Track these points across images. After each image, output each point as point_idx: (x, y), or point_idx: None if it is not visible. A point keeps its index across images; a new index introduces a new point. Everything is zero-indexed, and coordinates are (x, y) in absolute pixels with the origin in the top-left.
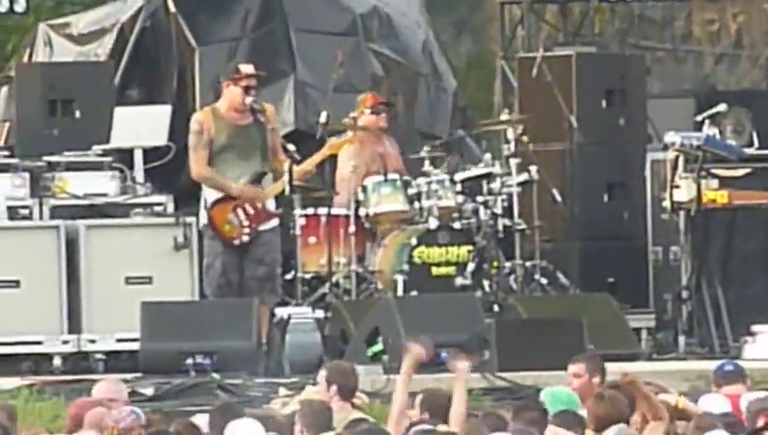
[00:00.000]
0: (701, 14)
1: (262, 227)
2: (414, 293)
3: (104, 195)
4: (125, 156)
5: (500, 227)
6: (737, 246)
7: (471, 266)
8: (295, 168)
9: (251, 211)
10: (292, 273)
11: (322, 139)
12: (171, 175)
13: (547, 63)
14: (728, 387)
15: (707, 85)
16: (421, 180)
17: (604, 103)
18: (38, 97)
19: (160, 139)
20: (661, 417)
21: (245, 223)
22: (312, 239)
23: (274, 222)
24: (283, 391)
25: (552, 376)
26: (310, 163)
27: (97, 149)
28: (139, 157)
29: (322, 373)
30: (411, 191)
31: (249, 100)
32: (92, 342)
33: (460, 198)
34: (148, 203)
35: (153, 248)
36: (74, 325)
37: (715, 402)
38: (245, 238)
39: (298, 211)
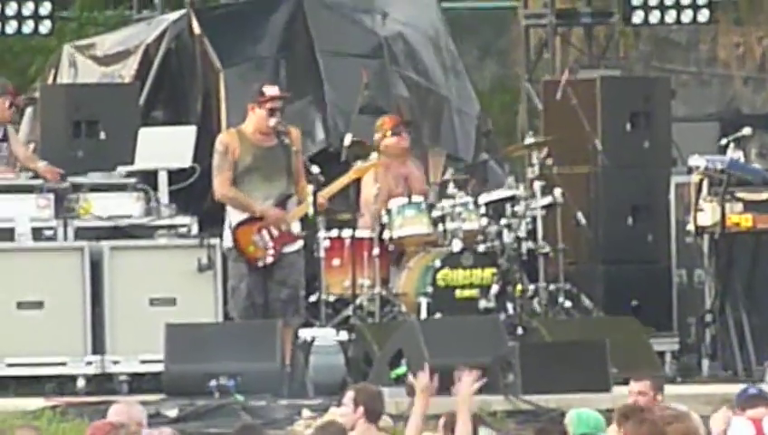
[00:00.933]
0: (726, 38)
1: (286, 249)
2: (438, 315)
3: (128, 216)
4: (149, 177)
5: (524, 250)
6: (762, 269)
7: (495, 289)
8: (320, 191)
9: (275, 233)
10: (317, 295)
11: (347, 161)
12: (196, 197)
13: (572, 87)
14: (752, 411)
15: (732, 109)
16: (445, 203)
17: (629, 126)
18: (63, 118)
19: (185, 160)
20: None
21: (270, 244)
22: (337, 261)
23: (299, 244)
24: (306, 412)
25: (576, 399)
26: (335, 187)
27: (121, 170)
28: (163, 178)
29: (350, 394)
30: (435, 214)
31: (274, 121)
32: (116, 363)
33: (484, 221)
34: (173, 225)
35: (177, 270)
36: (98, 347)
37: (741, 426)
38: (270, 260)
39: (322, 233)
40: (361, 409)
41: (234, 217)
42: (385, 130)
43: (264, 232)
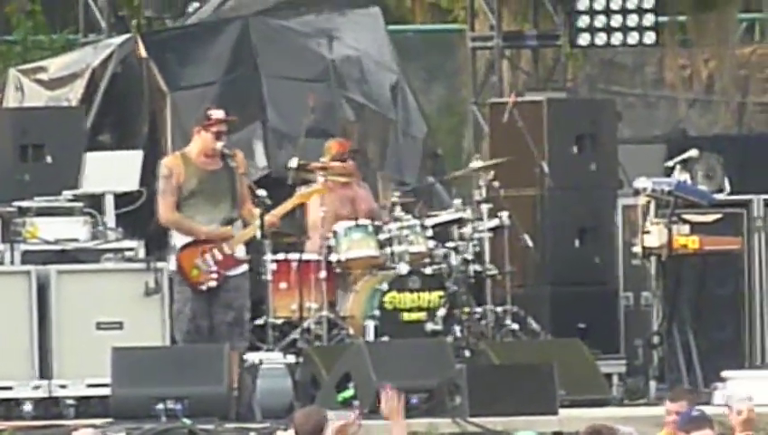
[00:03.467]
0: (672, 60)
1: (230, 273)
2: (385, 338)
3: (75, 240)
4: (96, 201)
5: (471, 273)
6: (708, 291)
7: (442, 312)
8: (266, 214)
9: (219, 257)
10: (264, 318)
11: (294, 184)
12: (142, 220)
13: (518, 109)
14: (696, 433)
15: (679, 131)
16: (392, 226)
17: (575, 149)
18: (9, 142)
19: (131, 184)
20: None
21: (213, 268)
22: (284, 285)
23: (243, 267)
24: None
25: (523, 421)
26: (280, 211)
27: (68, 194)
28: (110, 202)
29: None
30: (382, 237)
31: (219, 145)
32: (63, 387)
33: (431, 244)
34: (119, 248)
35: (124, 294)
36: (45, 371)
37: None
38: (213, 284)
39: (269, 256)
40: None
41: (178, 240)
42: (332, 153)
43: (208, 256)
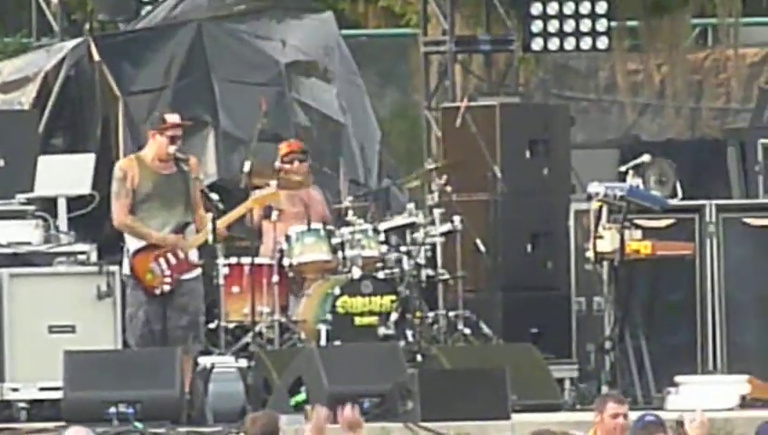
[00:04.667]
0: (624, 65)
1: (184, 277)
2: (337, 342)
3: (28, 243)
4: (49, 205)
5: (423, 277)
6: (661, 296)
7: (394, 316)
8: (219, 219)
9: (173, 261)
10: (216, 322)
11: (246, 189)
12: (95, 224)
13: (471, 114)
14: None
15: (631, 136)
16: (345, 230)
17: (528, 153)
18: None
19: (84, 187)
20: None
21: (167, 272)
22: (236, 289)
23: (197, 271)
24: None
25: (476, 426)
26: (233, 215)
27: (20, 197)
28: (62, 205)
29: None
30: (335, 241)
31: (173, 149)
32: (15, 390)
33: (384, 248)
34: (72, 252)
35: (76, 297)
36: None
37: None
38: (167, 288)
39: (221, 260)
40: None
41: (132, 244)
42: (282, 154)
43: (162, 260)
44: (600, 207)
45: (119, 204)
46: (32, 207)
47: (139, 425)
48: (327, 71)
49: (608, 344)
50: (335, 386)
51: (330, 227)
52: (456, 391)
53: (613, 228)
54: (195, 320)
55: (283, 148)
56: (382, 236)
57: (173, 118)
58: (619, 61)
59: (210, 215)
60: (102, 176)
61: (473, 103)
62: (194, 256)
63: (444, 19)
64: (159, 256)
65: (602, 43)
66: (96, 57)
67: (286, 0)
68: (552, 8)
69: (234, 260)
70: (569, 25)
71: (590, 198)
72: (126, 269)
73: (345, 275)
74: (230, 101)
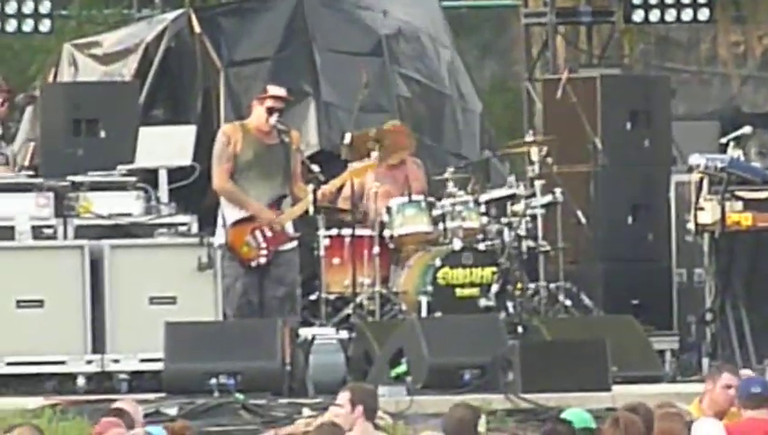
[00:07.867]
0: (726, 37)
1: (280, 248)
2: (438, 314)
3: (128, 215)
4: (149, 176)
5: (524, 249)
6: (761, 268)
7: (495, 288)
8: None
9: (269, 233)
10: (317, 294)
11: (347, 160)
12: (195, 195)
13: (572, 85)
14: (754, 412)
15: (732, 107)
16: (445, 202)
17: (629, 125)
18: (63, 117)
19: (185, 159)
20: None
21: (263, 245)
22: (337, 260)
23: (293, 243)
24: (306, 411)
25: (576, 398)
26: (332, 186)
27: (121, 169)
28: (163, 177)
29: (345, 395)
30: (435, 212)
31: (273, 120)
32: (116, 362)
33: (484, 220)
34: (173, 223)
35: (177, 268)
36: (98, 345)
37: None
38: (263, 261)
39: (322, 232)
40: (360, 408)
41: (229, 216)
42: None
43: (258, 233)
44: (701, 179)
45: (220, 168)
46: (133, 179)
47: (240, 396)
48: (434, 39)
49: (708, 316)
50: (436, 358)
51: (430, 199)
52: (557, 362)
53: (714, 200)
54: (291, 291)
55: (392, 129)
56: (483, 208)
57: (274, 90)
58: (722, 32)
59: (311, 186)
60: (203, 148)
61: (574, 75)
62: (290, 227)
63: None
64: (256, 228)
65: (703, 14)
66: (197, 29)
67: None
68: None
69: (334, 232)
70: None
71: (690, 169)
72: (221, 239)
73: (446, 246)
74: (331, 71)
